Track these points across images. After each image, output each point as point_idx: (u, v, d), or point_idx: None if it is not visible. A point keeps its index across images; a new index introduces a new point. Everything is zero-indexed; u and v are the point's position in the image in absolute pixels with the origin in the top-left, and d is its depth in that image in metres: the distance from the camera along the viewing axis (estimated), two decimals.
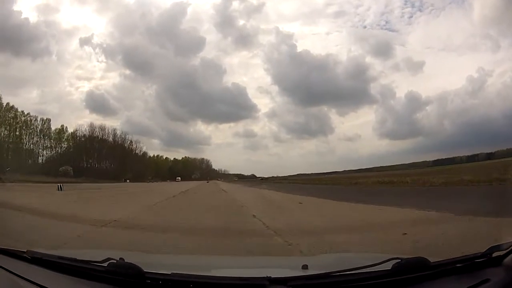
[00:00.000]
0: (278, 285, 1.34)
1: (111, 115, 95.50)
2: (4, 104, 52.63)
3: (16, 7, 75.41)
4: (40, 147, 56.96)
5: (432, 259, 1.47)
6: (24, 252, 1.75)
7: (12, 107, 53.81)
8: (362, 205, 10.83)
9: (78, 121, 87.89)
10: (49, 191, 19.33)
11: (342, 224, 7.60)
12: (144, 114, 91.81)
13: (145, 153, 75.82)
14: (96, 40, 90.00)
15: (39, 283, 1.52)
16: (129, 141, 66.59)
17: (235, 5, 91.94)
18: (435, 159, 57.44)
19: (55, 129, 59.10)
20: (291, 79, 72.51)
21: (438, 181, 20.29)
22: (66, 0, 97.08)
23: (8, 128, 52.99)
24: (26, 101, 79.74)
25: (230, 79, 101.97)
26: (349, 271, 1.41)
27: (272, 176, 73.77)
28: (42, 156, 57.39)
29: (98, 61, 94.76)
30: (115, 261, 1.50)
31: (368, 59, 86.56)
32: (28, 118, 55.69)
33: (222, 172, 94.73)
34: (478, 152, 50.01)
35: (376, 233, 5.83)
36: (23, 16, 66.53)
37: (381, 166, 60.13)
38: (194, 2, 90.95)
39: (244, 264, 2.39)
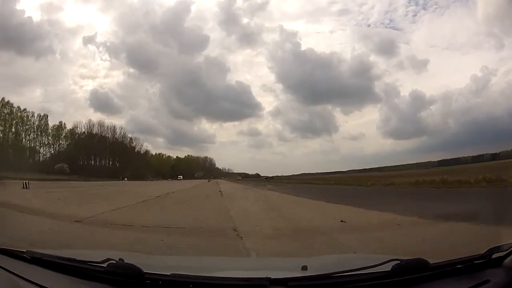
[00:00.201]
0: (278, 286, 1.35)
1: (116, 113, 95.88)
2: None
3: (19, 6, 77.47)
4: (37, 144, 55.56)
5: (432, 260, 1.46)
6: (23, 252, 1.75)
7: (8, 102, 52.57)
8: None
9: (83, 120, 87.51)
10: (12, 189, 17.12)
11: None
12: (148, 113, 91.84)
13: (147, 151, 75.04)
14: (100, 38, 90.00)
15: (38, 283, 1.51)
16: (129, 138, 64.99)
17: (239, 3, 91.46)
18: (440, 159, 56.78)
19: (53, 126, 57.59)
20: (295, 77, 72.19)
21: None
22: None
23: (3, 124, 51.65)
24: (30, 100, 79.68)
25: (234, 77, 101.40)
26: (349, 272, 1.42)
27: (276, 176, 73.30)
28: (39, 153, 56.05)
29: (102, 60, 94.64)
30: (114, 262, 1.51)
31: (372, 58, 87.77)
32: (25, 114, 54.25)
33: (226, 171, 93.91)
34: (483, 152, 49.45)
35: None
36: (26, 15, 66.77)
37: (385, 166, 59.47)
38: (198, 0, 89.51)
39: (244, 265, 2.39)
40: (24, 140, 53.87)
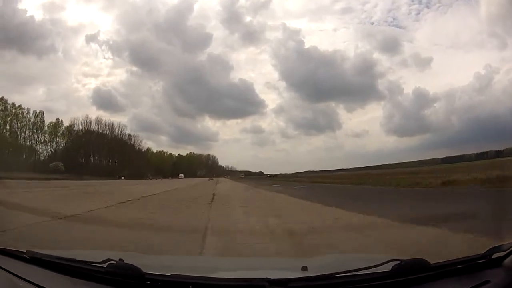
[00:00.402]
0: (278, 287, 1.35)
1: (119, 111, 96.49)
2: None
3: (20, 5, 74.71)
4: (33, 141, 53.64)
5: (432, 261, 1.46)
6: (23, 252, 1.75)
7: (2, 98, 50.67)
8: None
9: (80, 117, 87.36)
10: None
11: None
12: (152, 111, 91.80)
13: (148, 149, 73.98)
14: (102, 37, 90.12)
15: (38, 283, 1.52)
16: (128, 135, 63.05)
17: (242, 1, 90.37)
18: (444, 156, 56.48)
19: (50, 123, 55.69)
20: (299, 75, 70.95)
21: None
22: None
23: None
24: (33, 98, 79.18)
25: (238, 75, 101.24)
26: (349, 272, 1.41)
27: (280, 173, 72.34)
28: (35, 151, 54.17)
29: (104, 58, 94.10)
30: (114, 262, 1.50)
31: (376, 55, 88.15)
32: (20, 111, 52.30)
33: (229, 168, 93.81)
34: (487, 149, 49.04)
35: None
36: (28, 14, 66.06)
37: (389, 164, 58.86)
38: None
39: (244, 266, 2.38)
40: (19, 137, 52.03)
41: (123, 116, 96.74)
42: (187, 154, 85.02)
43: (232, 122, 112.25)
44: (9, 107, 51.71)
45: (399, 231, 5.97)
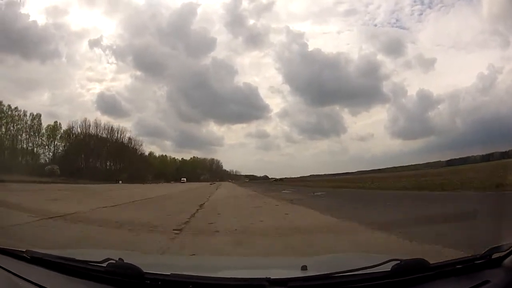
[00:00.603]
0: (278, 287, 1.34)
1: (123, 116, 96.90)
2: None
3: (23, 10, 74.26)
4: (30, 144, 51.79)
5: (432, 261, 1.45)
6: (23, 251, 1.75)
7: None
8: None
9: (78, 119, 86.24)
10: None
11: None
12: (156, 115, 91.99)
13: (151, 153, 73.36)
14: (106, 41, 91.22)
15: (38, 283, 1.51)
16: (127, 139, 61.13)
17: (245, 4, 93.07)
18: (449, 158, 56.41)
19: (47, 126, 53.89)
20: (303, 78, 71.32)
21: None
22: (75, 2, 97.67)
23: None
24: (37, 103, 79.52)
25: (242, 79, 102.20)
26: (349, 272, 1.41)
27: (285, 177, 71.03)
28: (32, 154, 52.33)
29: (108, 63, 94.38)
30: (114, 262, 1.50)
31: (380, 57, 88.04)
32: (16, 113, 50.56)
33: (234, 173, 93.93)
34: (492, 151, 48.33)
35: None
36: (30, 19, 66.26)
37: (394, 167, 58.60)
38: (204, 2, 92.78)
39: (243, 265, 2.38)
40: (14, 140, 50.21)
41: (128, 121, 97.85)
42: (191, 158, 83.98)
43: (237, 127, 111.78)
44: (5, 109, 49.98)
45: None
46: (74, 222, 7.69)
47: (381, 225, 6.21)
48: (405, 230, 5.51)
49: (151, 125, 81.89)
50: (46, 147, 53.89)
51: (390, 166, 60.36)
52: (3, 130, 49.52)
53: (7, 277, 1.58)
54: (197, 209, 11.15)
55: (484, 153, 50.34)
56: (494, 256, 1.45)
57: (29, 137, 51.97)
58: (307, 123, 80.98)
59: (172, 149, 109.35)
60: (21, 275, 1.57)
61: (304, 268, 1.62)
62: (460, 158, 54.21)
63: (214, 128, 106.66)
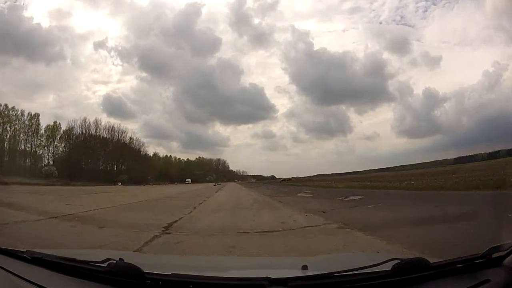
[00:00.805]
0: (278, 286, 1.32)
1: (129, 118, 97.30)
2: None
3: (26, 13, 76.62)
4: (28, 145, 50.05)
5: (432, 260, 1.45)
6: (23, 252, 1.74)
7: None
8: None
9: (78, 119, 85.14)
10: None
11: None
12: (163, 117, 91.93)
13: (156, 153, 72.27)
14: (110, 43, 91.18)
15: (38, 283, 1.50)
16: (129, 139, 59.17)
17: (250, 3, 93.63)
18: (456, 157, 55.85)
19: (47, 126, 52.21)
20: (309, 78, 72.75)
21: None
22: (79, 4, 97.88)
23: None
24: (43, 106, 79.94)
25: (248, 79, 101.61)
26: (349, 271, 1.40)
27: (292, 177, 69.66)
28: (30, 155, 50.57)
29: (114, 65, 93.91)
30: (114, 262, 1.49)
31: (385, 55, 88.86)
32: (13, 113, 48.92)
33: (241, 173, 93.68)
34: (498, 148, 47.28)
35: None
36: (34, 22, 66.12)
37: (402, 165, 57.33)
38: (208, 2, 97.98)
39: (244, 265, 2.35)
40: (11, 141, 48.51)
41: (134, 123, 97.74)
42: (196, 158, 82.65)
43: (243, 127, 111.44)
44: (1, 109, 48.36)
45: None
46: None
47: None
48: None
49: (158, 127, 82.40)
50: (45, 147, 52.21)
51: (398, 165, 59.37)
52: (0, 130, 47.87)
53: (7, 277, 1.58)
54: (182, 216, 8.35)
55: (490, 150, 49.78)
56: (495, 255, 1.43)
57: (27, 137, 50.31)
58: (313, 122, 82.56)
59: (179, 150, 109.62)
60: (21, 275, 1.56)
61: (304, 267, 1.60)
62: (467, 156, 53.81)
63: (220, 129, 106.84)
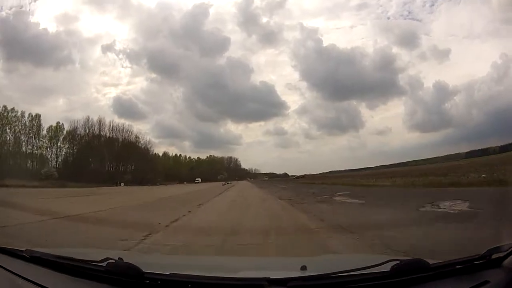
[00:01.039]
0: (277, 286, 1.32)
1: (141, 119, 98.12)
2: None
3: (32, 19, 73.91)
4: (29, 147, 47.92)
5: (431, 261, 1.43)
6: (22, 251, 1.72)
7: None
8: None
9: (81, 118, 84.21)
10: None
11: None
12: (174, 117, 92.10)
13: (165, 153, 70.81)
14: (119, 46, 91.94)
15: (37, 282, 1.48)
16: (135, 137, 56.59)
17: (257, 2, 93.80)
18: (467, 150, 55.15)
19: (50, 127, 50.10)
20: (319, 75, 70.69)
21: None
22: (85, 9, 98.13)
23: None
24: (53, 110, 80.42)
25: (258, 78, 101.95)
26: (348, 272, 1.38)
27: (305, 174, 67.89)
28: (32, 157, 48.49)
29: (123, 67, 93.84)
30: (114, 261, 1.47)
31: (394, 50, 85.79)
32: (13, 114, 46.86)
33: (253, 171, 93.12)
34: (509, 141, 46.14)
35: None
36: (41, 27, 65.88)
37: (414, 160, 56.91)
38: (216, 2, 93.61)
39: (243, 265, 2.31)
40: (11, 143, 46.42)
41: (146, 123, 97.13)
42: (207, 157, 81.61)
43: (254, 125, 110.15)
44: (1, 110, 46.36)
45: None
46: None
47: None
48: None
49: (169, 127, 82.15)
50: (48, 149, 50.10)
51: (410, 160, 58.67)
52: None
53: (7, 276, 1.57)
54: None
55: (501, 143, 48.78)
56: (494, 256, 1.42)
57: (28, 139, 48.19)
58: (325, 118, 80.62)
59: (191, 149, 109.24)
60: (20, 274, 1.55)
61: (303, 268, 1.58)
62: (479, 149, 52.76)
63: (231, 127, 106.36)
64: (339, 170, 67.13)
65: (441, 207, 8.69)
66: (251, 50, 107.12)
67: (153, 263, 2.03)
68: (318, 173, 66.98)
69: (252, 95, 78.01)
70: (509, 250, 1.40)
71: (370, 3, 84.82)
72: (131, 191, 29.88)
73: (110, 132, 55.40)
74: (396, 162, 61.15)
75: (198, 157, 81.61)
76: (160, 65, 78.62)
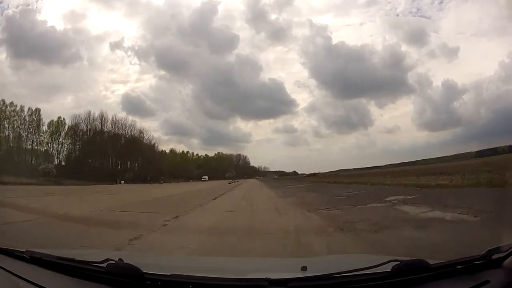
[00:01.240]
0: (278, 287, 1.32)
1: (149, 116, 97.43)
2: None
3: (40, 17, 76.54)
4: (29, 142, 46.26)
5: (431, 261, 1.43)
6: (23, 252, 1.72)
7: None
8: None
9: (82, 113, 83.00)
10: None
11: None
12: (182, 114, 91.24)
13: (172, 149, 69.51)
14: (127, 43, 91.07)
15: (38, 283, 1.48)
16: (138, 132, 54.53)
17: None
18: (477, 149, 55.06)
19: (50, 121, 48.37)
20: (328, 72, 71.13)
21: None
22: (93, 7, 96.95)
23: None
24: (61, 106, 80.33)
25: (267, 75, 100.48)
26: (349, 272, 1.38)
27: (315, 173, 66.05)
28: (31, 153, 46.85)
29: (131, 64, 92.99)
30: (114, 262, 1.47)
31: (404, 48, 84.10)
32: (12, 109, 45.24)
33: (262, 169, 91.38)
34: None
35: None
36: (48, 25, 65.34)
37: (424, 159, 56.69)
38: (224, 0, 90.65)
39: (243, 265, 2.31)
40: (11, 138, 44.85)
41: (154, 121, 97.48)
42: (215, 154, 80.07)
43: (264, 123, 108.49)
44: None
45: None
46: None
47: None
48: None
49: (178, 124, 79.07)
50: (48, 144, 48.47)
51: (420, 159, 58.26)
52: None
53: (7, 277, 1.56)
54: None
55: (510, 143, 48.49)
56: (494, 256, 1.42)
57: (27, 134, 46.60)
58: (334, 116, 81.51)
59: (200, 147, 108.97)
60: (20, 275, 1.55)
61: (304, 268, 1.59)
62: (488, 149, 52.69)
63: (241, 125, 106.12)
64: (349, 169, 66.68)
65: None
66: (260, 47, 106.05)
67: (153, 263, 1.99)
68: (327, 171, 66.00)
69: (261, 92, 76.80)
70: (509, 251, 1.41)
71: (379, 0, 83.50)
72: (119, 191, 26.93)
73: (113, 127, 53.64)
74: (405, 161, 61.22)
75: (206, 154, 79.55)
76: (169, 62, 77.83)
